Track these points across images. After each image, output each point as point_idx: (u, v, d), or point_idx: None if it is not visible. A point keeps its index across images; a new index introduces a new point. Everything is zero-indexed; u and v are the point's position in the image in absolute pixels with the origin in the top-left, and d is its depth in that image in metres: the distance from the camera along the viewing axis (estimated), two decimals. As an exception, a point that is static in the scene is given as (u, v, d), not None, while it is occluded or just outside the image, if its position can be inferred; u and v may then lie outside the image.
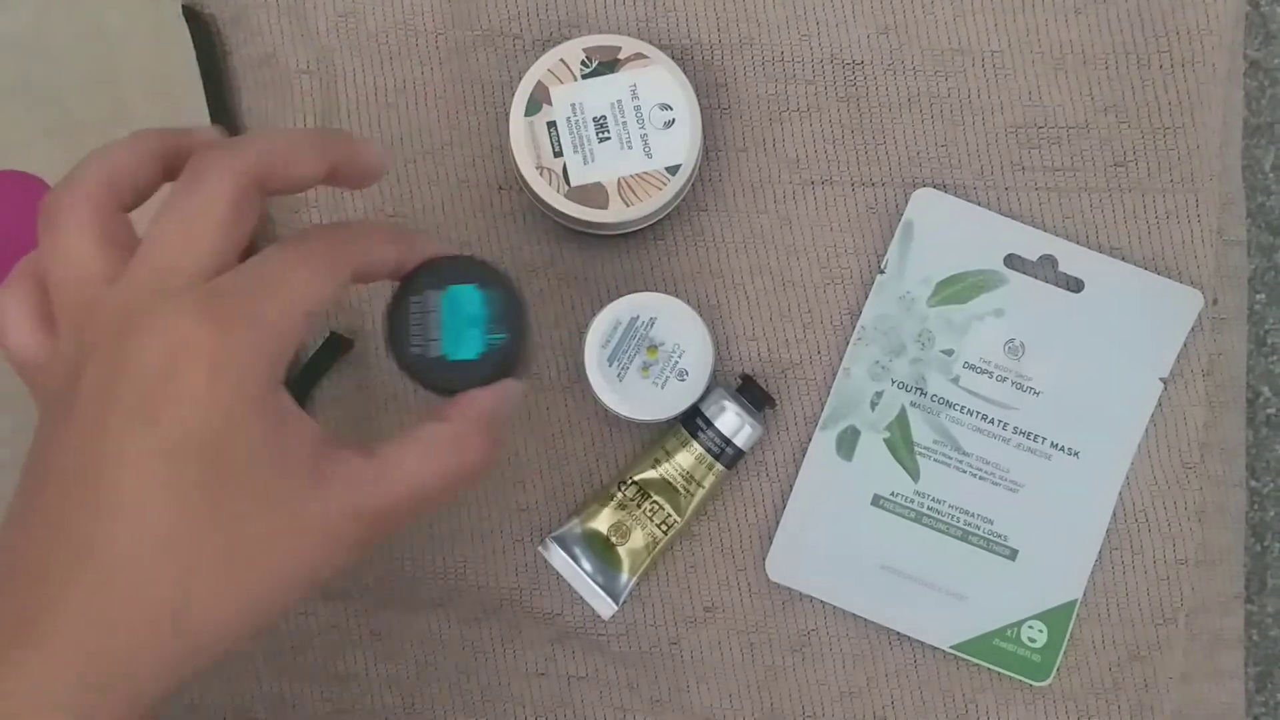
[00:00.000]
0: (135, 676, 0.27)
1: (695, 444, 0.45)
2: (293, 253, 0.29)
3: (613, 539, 0.45)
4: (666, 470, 0.45)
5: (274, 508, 0.28)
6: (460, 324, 0.33)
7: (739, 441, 0.45)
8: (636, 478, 0.45)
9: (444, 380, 0.33)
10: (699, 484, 0.45)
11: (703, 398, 0.45)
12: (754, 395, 0.45)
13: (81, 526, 0.27)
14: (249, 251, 0.29)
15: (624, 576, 0.46)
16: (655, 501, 0.45)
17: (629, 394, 0.44)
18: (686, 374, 0.44)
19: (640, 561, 0.46)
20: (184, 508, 0.27)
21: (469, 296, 0.33)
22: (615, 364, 0.45)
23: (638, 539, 0.45)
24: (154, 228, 0.28)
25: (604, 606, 0.46)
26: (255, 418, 0.27)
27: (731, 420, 0.45)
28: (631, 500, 0.45)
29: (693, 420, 0.45)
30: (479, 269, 0.34)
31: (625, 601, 0.46)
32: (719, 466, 0.45)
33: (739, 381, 0.46)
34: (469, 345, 0.33)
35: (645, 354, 0.45)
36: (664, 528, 0.45)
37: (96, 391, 0.27)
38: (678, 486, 0.45)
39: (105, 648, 0.27)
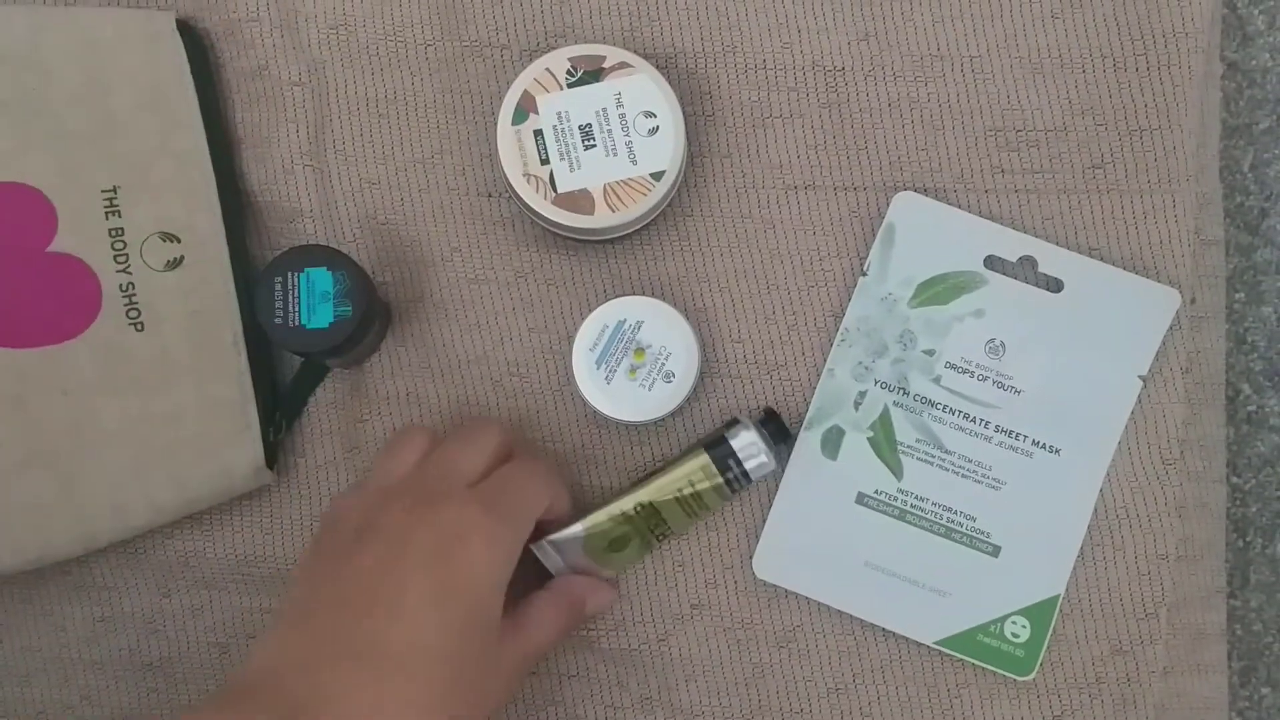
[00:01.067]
0: None
1: (720, 481, 0.45)
2: (526, 471, 0.42)
3: (611, 550, 0.46)
4: (686, 499, 0.45)
5: (487, 654, 0.38)
6: (314, 299, 0.42)
7: (753, 477, 0.45)
8: (655, 502, 0.45)
9: (302, 344, 0.42)
10: (708, 509, 0.46)
11: (736, 434, 0.45)
12: (775, 429, 0.46)
13: (371, 629, 0.36)
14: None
15: (608, 573, 0.47)
16: (664, 521, 0.46)
17: (617, 396, 0.45)
18: (673, 376, 0.45)
19: (627, 565, 0.47)
20: (446, 632, 0.37)
21: (321, 277, 0.42)
22: (603, 367, 0.45)
23: (633, 550, 0.46)
24: (442, 449, 0.42)
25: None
26: (500, 585, 0.39)
27: (759, 466, 0.45)
28: (644, 521, 0.45)
29: (726, 459, 0.45)
30: (330, 255, 0.42)
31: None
32: (728, 493, 0.46)
33: (761, 414, 0.46)
34: (321, 316, 0.42)
35: (632, 357, 0.45)
36: (660, 538, 0.46)
37: (399, 536, 0.38)
38: (690, 511, 0.46)
39: None
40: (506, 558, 0.39)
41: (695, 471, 0.45)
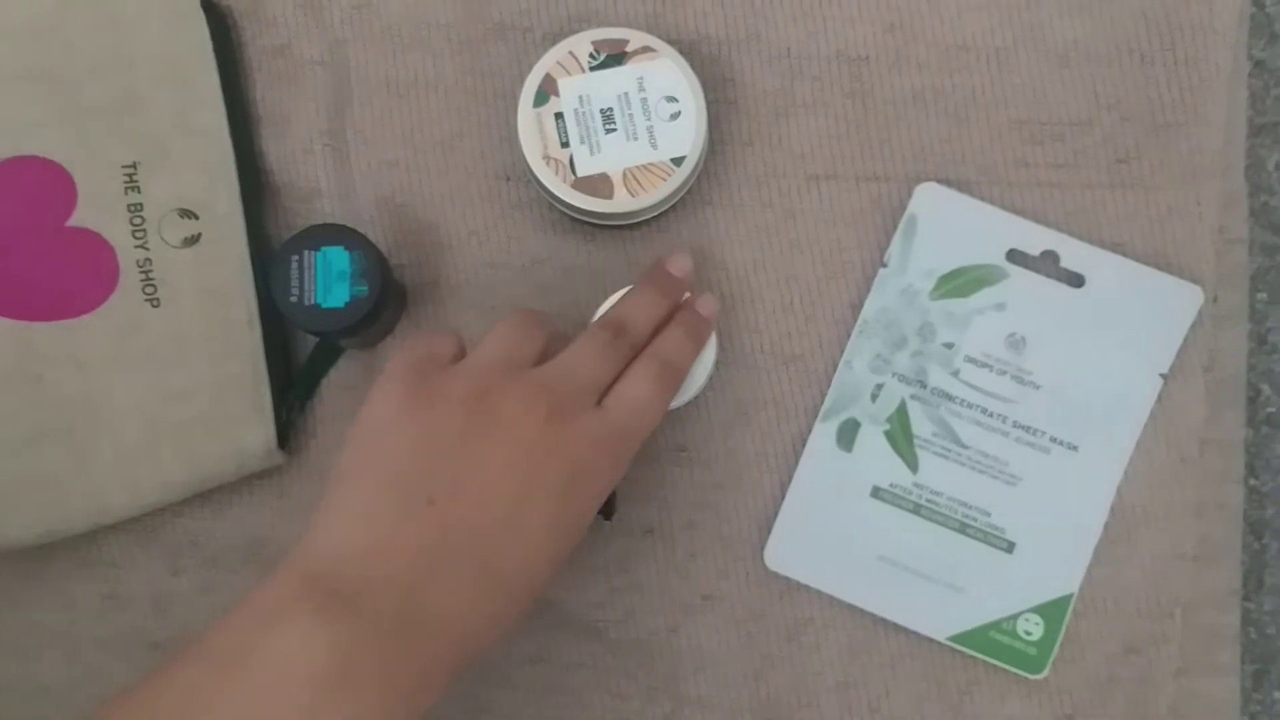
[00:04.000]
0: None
1: None
2: (578, 356, 0.40)
3: None
4: None
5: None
6: (330, 278, 0.42)
7: None
8: None
9: (316, 323, 0.42)
10: None
11: None
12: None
13: (490, 548, 0.36)
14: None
15: None
16: None
17: (632, 383, 0.45)
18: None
19: None
20: (553, 563, 0.37)
21: (337, 256, 0.42)
22: (618, 353, 0.45)
23: None
24: (488, 341, 0.39)
25: None
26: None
27: None
28: None
29: None
30: (347, 234, 0.42)
31: None
32: None
33: None
34: (336, 295, 0.42)
35: (648, 344, 0.45)
36: None
37: (531, 450, 0.37)
38: None
39: None
40: (616, 479, 0.39)
41: None
